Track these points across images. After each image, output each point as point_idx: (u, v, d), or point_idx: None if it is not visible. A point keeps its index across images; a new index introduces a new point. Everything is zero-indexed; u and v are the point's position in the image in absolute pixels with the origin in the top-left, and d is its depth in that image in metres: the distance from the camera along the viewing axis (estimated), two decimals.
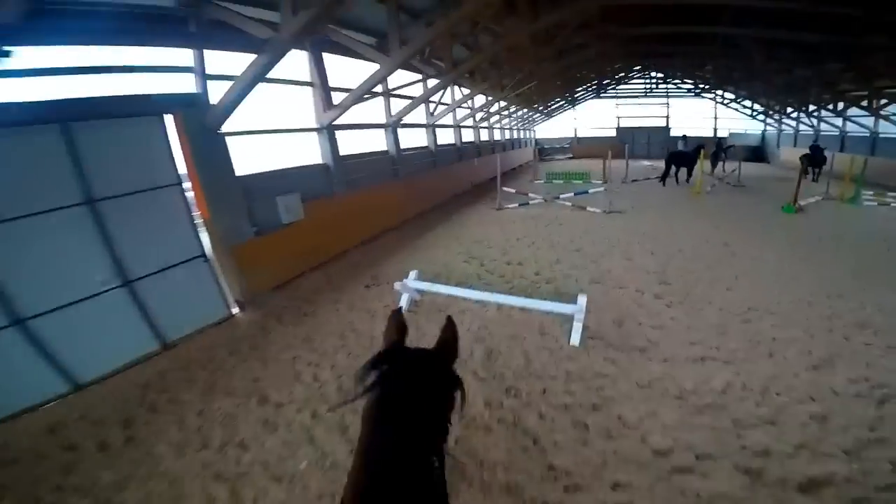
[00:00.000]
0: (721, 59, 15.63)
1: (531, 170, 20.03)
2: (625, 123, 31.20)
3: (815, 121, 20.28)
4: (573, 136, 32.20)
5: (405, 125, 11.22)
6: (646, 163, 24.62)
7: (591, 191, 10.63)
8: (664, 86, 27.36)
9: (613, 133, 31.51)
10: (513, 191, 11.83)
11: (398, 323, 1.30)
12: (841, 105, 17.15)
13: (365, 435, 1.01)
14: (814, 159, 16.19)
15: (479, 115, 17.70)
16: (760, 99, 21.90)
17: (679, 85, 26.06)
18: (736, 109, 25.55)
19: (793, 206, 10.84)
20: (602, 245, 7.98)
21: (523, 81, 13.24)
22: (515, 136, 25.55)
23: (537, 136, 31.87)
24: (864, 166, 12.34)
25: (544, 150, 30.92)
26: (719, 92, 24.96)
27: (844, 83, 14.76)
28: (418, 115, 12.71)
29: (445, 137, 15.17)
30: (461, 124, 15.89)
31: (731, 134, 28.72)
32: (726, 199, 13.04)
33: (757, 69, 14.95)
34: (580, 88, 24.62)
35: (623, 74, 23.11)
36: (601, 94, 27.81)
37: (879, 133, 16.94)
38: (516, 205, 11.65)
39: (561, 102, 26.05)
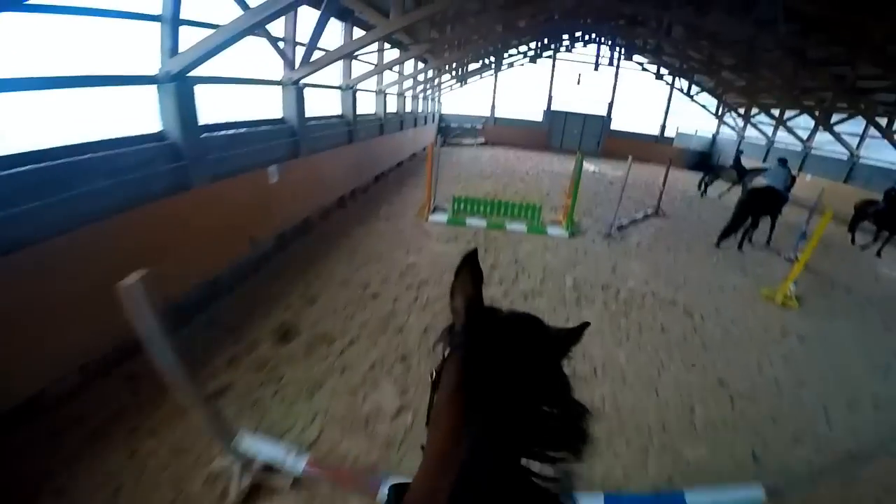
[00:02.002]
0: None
1: (431, 168, 10.49)
2: (556, 105, 23.83)
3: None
4: (489, 114, 23.80)
5: None
6: (590, 168, 17.42)
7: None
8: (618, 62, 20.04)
9: (539, 117, 24.03)
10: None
11: (474, 271, 0.84)
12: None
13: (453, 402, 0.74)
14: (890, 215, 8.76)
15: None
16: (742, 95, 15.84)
17: (644, 64, 19.01)
18: (703, 105, 19.60)
19: None
20: None
21: None
22: (409, 107, 15.79)
23: (442, 112, 22.71)
24: None
25: (450, 130, 22.03)
26: (683, 80, 18.67)
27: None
28: None
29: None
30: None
31: (678, 134, 23.23)
32: (845, 328, 5.59)
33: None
34: (514, 49, 15.94)
35: (581, 33, 15.00)
36: (537, 59, 19.37)
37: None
38: None
39: (481, 64, 17.15)
